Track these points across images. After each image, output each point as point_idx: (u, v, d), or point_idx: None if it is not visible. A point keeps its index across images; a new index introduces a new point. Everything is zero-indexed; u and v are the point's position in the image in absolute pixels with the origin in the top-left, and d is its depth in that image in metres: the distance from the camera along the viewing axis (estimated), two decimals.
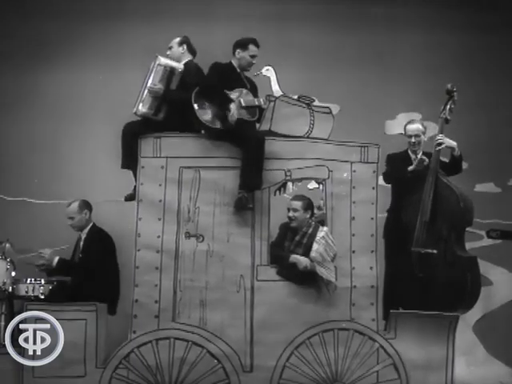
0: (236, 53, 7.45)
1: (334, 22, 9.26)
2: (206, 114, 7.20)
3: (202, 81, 7.29)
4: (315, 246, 7.14)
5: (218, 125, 7.21)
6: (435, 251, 7.41)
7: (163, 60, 7.40)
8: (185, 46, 7.58)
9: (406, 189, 7.65)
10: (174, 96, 7.32)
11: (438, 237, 7.46)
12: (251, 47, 7.42)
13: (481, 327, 9.01)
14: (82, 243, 7.77)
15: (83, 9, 9.15)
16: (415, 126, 7.85)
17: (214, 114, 7.21)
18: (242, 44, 7.43)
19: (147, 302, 7.12)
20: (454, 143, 7.66)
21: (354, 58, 9.25)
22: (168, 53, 7.57)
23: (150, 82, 7.32)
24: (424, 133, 7.86)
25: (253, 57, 7.43)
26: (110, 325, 7.32)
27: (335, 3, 9.27)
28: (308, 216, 7.35)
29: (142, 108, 7.32)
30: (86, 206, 7.82)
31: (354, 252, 7.25)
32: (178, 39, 7.61)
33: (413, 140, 7.81)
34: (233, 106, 7.19)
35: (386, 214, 7.76)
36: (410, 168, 7.65)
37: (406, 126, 7.91)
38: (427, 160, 7.55)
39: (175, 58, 7.52)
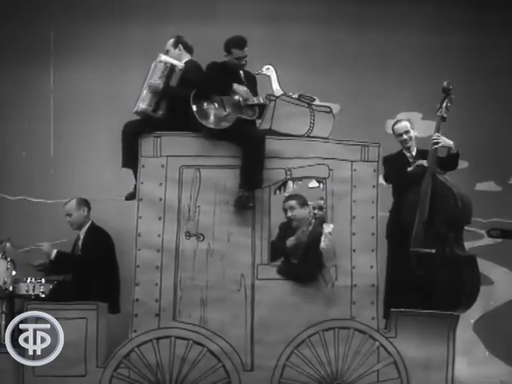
0: (224, 56, 7.36)
1: (334, 21, 9.25)
2: (205, 116, 7.19)
3: (199, 82, 7.26)
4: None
5: (217, 125, 7.20)
6: (433, 251, 7.38)
7: (164, 57, 7.38)
8: (181, 46, 7.54)
9: (406, 189, 7.64)
10: (173, 92, 7.30)
11: (436, 236, 7.43)
12: (234, 51, 7.27)
13: (481, 326, 9.01)
14: (80, 242, 7.79)
15: (85, 8, 9.15)
16: (403, 124, 7.88)
17: (214, 114, 7.21)
18: (225, 48, 7.31)
19: (148, 300, 7.11)
20: (450, 142, 7.61)
21: (354, 57, 9.24)
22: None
23: (150, 78, 7.33)
24: (413, 128, 7.86)
25: (239, 59, 7.30)
26: (111, 324, 7.33)
27: (336, 3, 9.27)
28: (306, 212, 7.35)
29: (142, 105, 7.31)
30: (84, 203, 7.85)
31: (354, 251, 7.23)
32: (171, 41, 7.55)
33: (404, 137, 7.83)
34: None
35: (387, 213, 7.76)
36: (409, 169, 7.65)
37: (393, 127, 7.93)
38: (425, 164, 7.53)
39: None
